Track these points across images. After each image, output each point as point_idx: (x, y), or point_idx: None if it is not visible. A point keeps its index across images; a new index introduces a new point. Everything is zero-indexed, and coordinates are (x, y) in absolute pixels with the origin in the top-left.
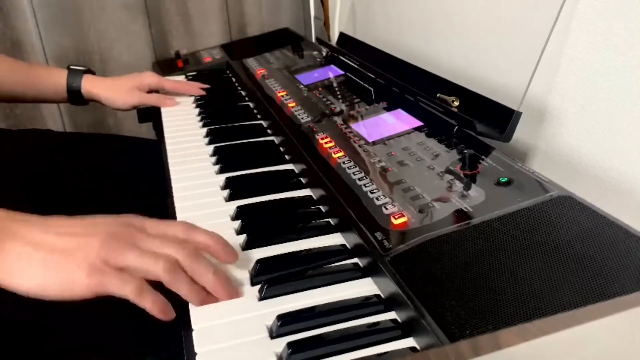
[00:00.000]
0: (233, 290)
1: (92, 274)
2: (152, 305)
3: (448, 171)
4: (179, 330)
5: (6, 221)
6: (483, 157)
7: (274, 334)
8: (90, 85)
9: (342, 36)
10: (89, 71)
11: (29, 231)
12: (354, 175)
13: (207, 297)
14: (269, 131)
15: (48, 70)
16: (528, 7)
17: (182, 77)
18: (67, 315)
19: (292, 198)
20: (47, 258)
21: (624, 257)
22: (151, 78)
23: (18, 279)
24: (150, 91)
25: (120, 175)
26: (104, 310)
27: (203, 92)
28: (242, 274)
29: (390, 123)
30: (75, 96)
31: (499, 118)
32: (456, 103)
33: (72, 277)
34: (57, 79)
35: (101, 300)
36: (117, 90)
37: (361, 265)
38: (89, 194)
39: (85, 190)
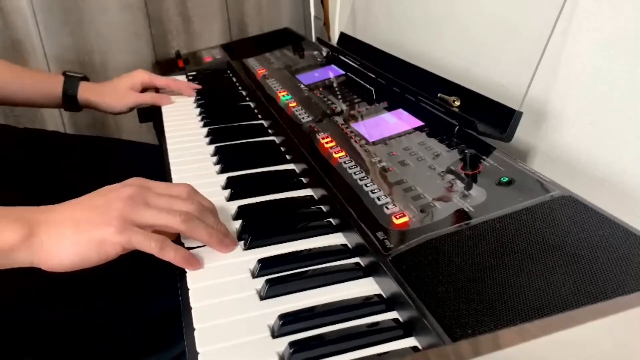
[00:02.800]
0: (234, 243)
1: (121, 230)
2: (175, 255)
3: (449, 171)
4: (181, 330)
5: (28, 213)
6: (484, 157)
7: (275, 334)
8: (87, 93)
9: (343, 36)
10: (84, 78)
11: (51, 215)
12: (355, 175)
13: (225, 239)
14: (269, 131)
15: (44, 76)
16: (529, 7)
17: (182, 77)
18: (68, 315)
19: (293, 198)
20: (77, 231)
21: (624, 257)
22: (142, 76)
23: (57, 258)
24: (143, 90)
25: (120, 176)
26: (105, 310)
27: (193, 93)
28: (244, 274)
29: (391, 123)
30: (70, 102)
31: (500, 118)
32: (457, 103)
33: (104, 239)
34: (53, 85)
35: (101, 301)
36: (114, 95)
37: (362, 264)
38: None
39: (84, 191)
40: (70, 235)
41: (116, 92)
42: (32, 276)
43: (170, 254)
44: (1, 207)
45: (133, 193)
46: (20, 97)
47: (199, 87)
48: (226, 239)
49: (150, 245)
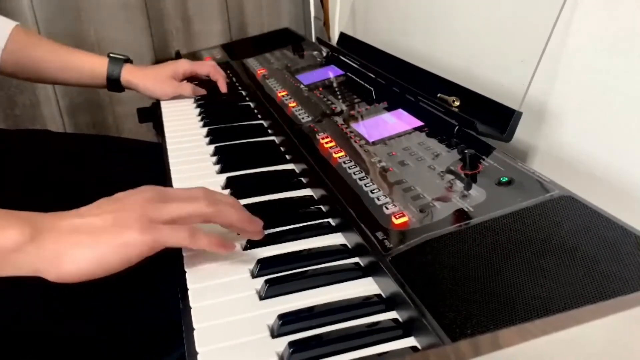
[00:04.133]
0: (259, 222)
1: (144, 231)
2: (209, 242)
3: (449, 171)
4: (180, 331)
5: (39, 218)
6: (484, 157)
7: (275, 334)
8: (129, 75)
9: (343, 36)
10: (128, 60)
11: (64, 221)
12: (355, 175)
13: (254, 224)
14: (269, 131)
15: (89, 57)
16: (529, 7)
17: (213, 62)
18: (66, 316)
19: (293, 198)
20: (94, 237)
21: (624, 257)
22: (185, 66)
23: (72, 264)
24: (184, 78)
25: (120, 176)
26: (105, 312)
27: (226, 89)
28: (243, 274)
29: (390, 123)
30: (114, 84)
31: (500, 118)
32: (457, 103)
33: (126, 241)
34: (97, 66)
35: (102, 302)
36: (155, 81)
37: (362, 264)
38: (88, 195)
39: (85, 191)
40: (87, 241)
41: (158, 79)
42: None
43: (204, 241)
44: (2, 209)
45: (149, 195)
46: (67, 77)
47: (225, 89)
48: (254, 224)
49: (179, 236)
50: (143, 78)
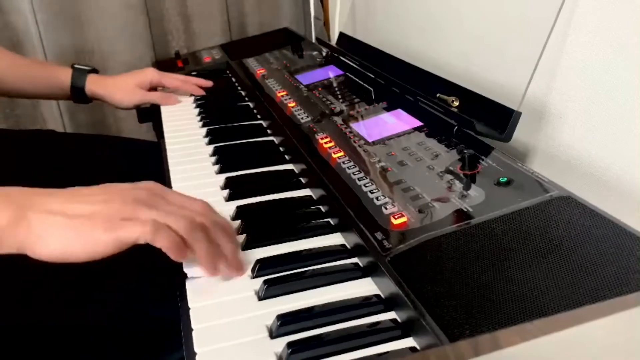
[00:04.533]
0: (242, 267)
1: (108, 229)
2: (168, 243)
3: (448, 171)
4: (179, 331)
5: (28, 194)
6: (483, 157)
7: (273, 334)
8: (94, 85)
9: (342, 36)
10: (93, 70)
11: (50, 201)
12: (354, 175)
13: (219, 264)
14: (268, 131)
15: (52, 68)
16: (528, 7)
17: (182, 76)
18: (65, 314)
19: (292, 198)
20: (69, 223)
21: (623, 257)
22: (152, 74)
23: (45, 247)
24: (151, 88)
25: (120, 176)
26: (105, 310)
27: (203, 92)
28: (242, 274)
29: (390, 123)
30: (78, 95)
31: (499, 118)
32: (456, 103)
33: (91, 237)
34: (61, 77)
35: (103, 301)
36: (121, 90)
37: (361, 265)
38: None
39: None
40: (61, 228)
41: (124, 88)
42: (33, 280)
43: (164, 241)
44: None
45: (141, 195)
46: (30, 89)
47: (210, 83)
48: (235, 262)
49: (140, 230)
50: (108, 88)
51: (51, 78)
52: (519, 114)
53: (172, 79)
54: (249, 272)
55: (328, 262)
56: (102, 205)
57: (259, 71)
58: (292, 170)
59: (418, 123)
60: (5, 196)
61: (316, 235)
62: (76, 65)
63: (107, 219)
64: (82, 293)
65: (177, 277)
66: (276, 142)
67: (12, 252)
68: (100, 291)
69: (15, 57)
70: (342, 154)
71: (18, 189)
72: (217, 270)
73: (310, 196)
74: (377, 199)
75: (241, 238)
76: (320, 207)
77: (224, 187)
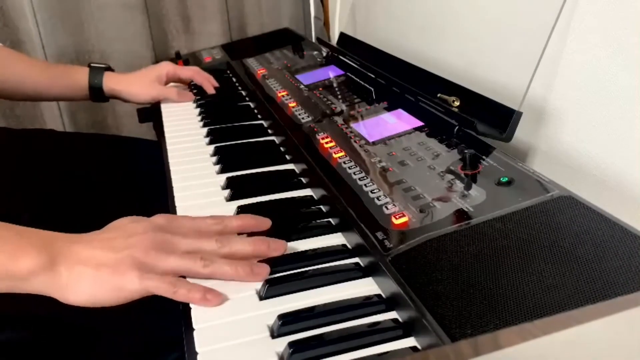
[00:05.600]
0: (278, 244)
1: (141, 279)
2: (188, 296)
3: (449, 171)
4: (180, 331)
5: (55, 241)
6: (484, 157)
7: (275, 334)
8: (112, 83)
9: (343, 36)
10: (109, 68)
11: (76, 250)
12: (355, 175)
13: (254, 268)
14: (269, 131)
15: (69, 69)
16: (528, 7)
17: (197, 67)
18: (66, 315)
19: (293, 198)
20: (97, 273)
21: (624, 257)
22: (168, 68)
23: (74, 295)
24: (168, 81)
25: (120, 175)
26: (107, 313)
27: (214, 91)
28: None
29: (390, 123)
30: (97, 93)
31: (500, 118)
32: (457, 103)
33: (120, 287)
34: (78, 77)
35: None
36: (139, 85)
37: (362, 265)
38: (88, 195)
39: (85, 191)
40: (91, 276)
41: (141, 83)
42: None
43: (183, 295)
44: (23, 227)
45: (157, 238)
46: (48, 92)
47: (216, 84)
48: (256, 268)
49: (165, 289)
50: (126, 84)
51: (69, 79)
52: (520, 113)
53: (187, 70)
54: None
55: (329, 262)
56: (125, 253)
57: (260, 71)
58: (293, 170)
59: (419, 123)
60: (34, 240)
61: (317, 235)
62: (93, 64)
63: (134, 270)
64: None
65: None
66: (277, 142)
67: (39, 293)
68: None
69: (32, 60)
70: (342, 154)
71: (43, 233)
72: (254, 272)
73: (311, 196)
74: (378, 198)
75: None
76: (321, 207)
77: (225, 187)
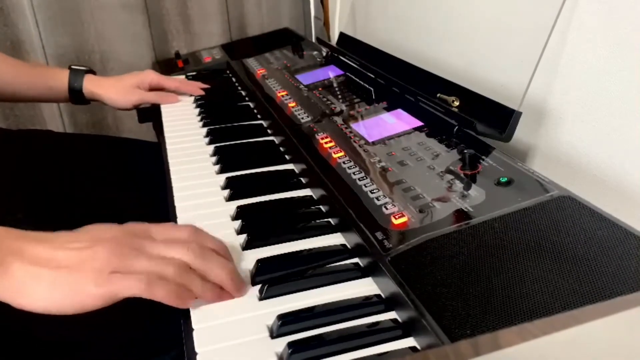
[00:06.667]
0: (243, 285)
1: (100, 284)
2: (167, 294)
3: (448, 171)
4: (180, 331)
5: (9, 240)
6: (483, 157)
7: (274, 334)
8: (91, 85)
9: (342, 36)
10: (90, 71)
11: (34, 249)
12: (354, 175)
13: (222, 293)
14: (269, 131)
15: (49, 70)
16: (528, 7)
17: (182, 77)
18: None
19: (293, 198)
20: (55, 275)
21: (624, 257)
22: (152, 76)
23: (29, 298)
24: (151, 89)
25: (120, 176)
26: (106, 313)
27: (203, 92)
28: (243, 274)
29: (390, 123)
30: (76, 96)
31: (499, 118)
32: (456, 103)
33: (81, 290)
34: (58, 79)
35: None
36: (119, 90)
37: (361, 265)
38: (89, 195)
39: (85, 191)
40: (47, 280)
41: (122, 88)
42: None
43: (161, 292)
44: None
45: (126, 240)
46: (27, 93)
47: (207, 86)
48: (231, 285)
49: (134, 286)
50: (106, 88)
51: (49, 81)
52: (520, 114)
53: (172, 81)
54: (249, 272)
55: (329, 262)
56: (89, 252)
57: (259, 71)
58: (293, 170)
59: (418, 123)
60: None
61: (316, 235)
62: (73, 67)
63: (97, 271)
64: None
65: None
66: (276, 142)
67: None
68: None
69: (14, 62)
70: (342, 154)
71: (3, 230)
72: (221, 298)
73: (311, 196)
74: (377, 199)
75: (242, 238)
76: (321, 207)
77: (225, 187)
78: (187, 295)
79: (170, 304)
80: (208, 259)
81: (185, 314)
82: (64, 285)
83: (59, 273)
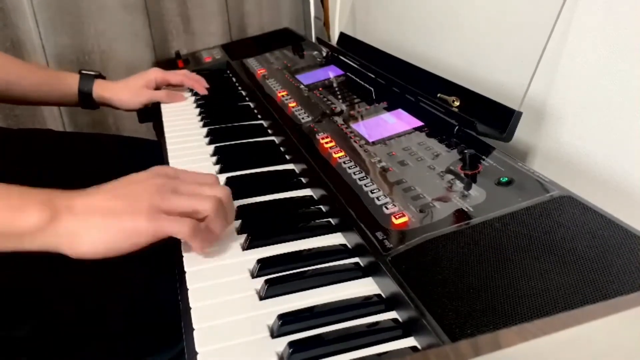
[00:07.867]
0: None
1: (151, 219)
2: (201, 245)
3: (449, 171)
4: (180, 331)
5: (58, 199)
6: (483, 157)
7: (275, 334)
8: (101, 90)
9: (343, 36)
10: (100, 76)
11: (82, 202)
12: (355, 175)
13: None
14: (269, 131)
15: (59, 74)
16: (528, 7)
17: (185, 70)
18: (71, 311)
19: (293, 198)
20: (107, 219)
21: (624, 257)
22: (156, 73)
23: (85, 245)
24: (157, 87)
25: (121, 174)
26: (107, 309)
27: (205, 92)
28: (243, 274)
29: (390, 123)
30: (86, 100)
31: (500, 118)
32: (457, 103)
33: (135, 227)
34: (69, 83)
35: (105, 300)
36: (128, 92)
37: (362, 264)
38: None
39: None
40: (101, 224)
41: (130, 89)
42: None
43: (197, 243)
44: (25, 187)
45: (160, 182)
46: (36, 95)
47: (208, 85)
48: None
49: (182, 230)
50: (116, 91)
51: (59, 84)
52: (520, 114)
53: (176, 75)
54: (249, 271)
55: (329, 261)
56: (132, 197)
57: (260, 71)
58: (293, 170)
59: (419, 123)
60: (36, 197)
61: (317, 235)
62: (83, 71)
63: (145, 209)
64: (84, 291)
65: (177, 277)
66: (277, 142)
67: (48, 250)
68: (100, 289)
69: (23, 64)
70: (342, 154)
71: (53, 191)
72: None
73: (311, 196)
74: (377, 198)
75: (242, 238)
76: (321, 207)
77: None
78: (213, 238)
79: (197, 251)
80: (229, 203)
81: (185, 313)
82: (117, 227)
83: (110, 218)
